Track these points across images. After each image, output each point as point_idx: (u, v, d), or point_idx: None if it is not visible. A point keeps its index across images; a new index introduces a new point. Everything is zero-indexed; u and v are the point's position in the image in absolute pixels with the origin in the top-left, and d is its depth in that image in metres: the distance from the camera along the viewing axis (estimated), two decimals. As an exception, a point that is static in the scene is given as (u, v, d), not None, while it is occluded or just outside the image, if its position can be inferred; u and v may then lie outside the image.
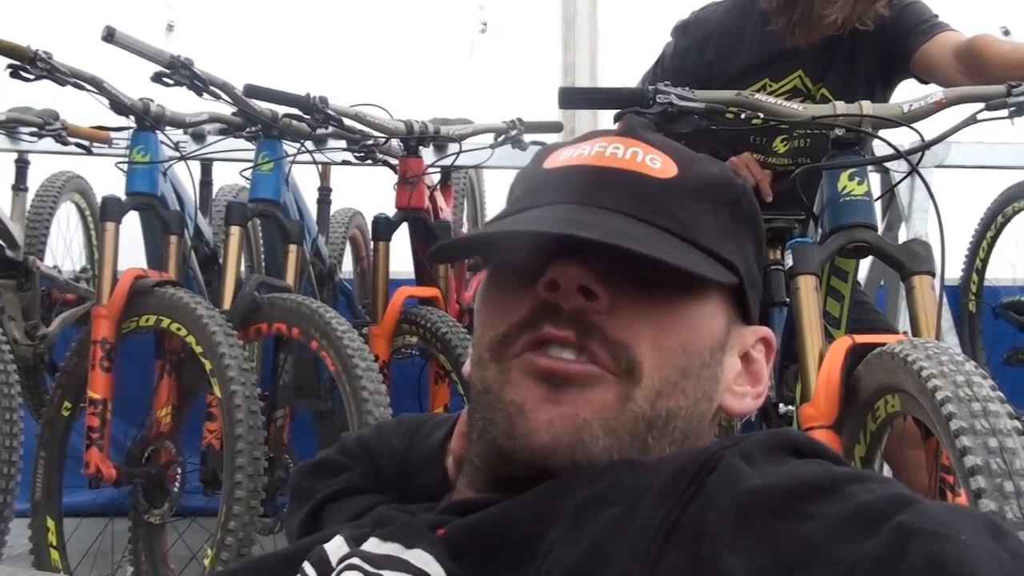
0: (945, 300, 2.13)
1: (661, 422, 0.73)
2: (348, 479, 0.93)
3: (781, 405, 1.89)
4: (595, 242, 0.70)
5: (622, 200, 0.75)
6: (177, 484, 2.56)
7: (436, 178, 3.19)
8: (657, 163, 0.78)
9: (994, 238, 3.29)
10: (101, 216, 2.60)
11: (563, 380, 0.71)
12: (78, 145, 2.94)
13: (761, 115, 1.79)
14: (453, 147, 2.89)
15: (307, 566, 0.73)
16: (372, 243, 2.84)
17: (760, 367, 0.82)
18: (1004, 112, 1.80)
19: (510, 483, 0.72)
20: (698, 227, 0.76)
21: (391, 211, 2.79)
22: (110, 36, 2.23)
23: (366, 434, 0.99)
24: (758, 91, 2.06)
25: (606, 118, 1.97)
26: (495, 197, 4.00)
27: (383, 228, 2.77)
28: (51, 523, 2.59)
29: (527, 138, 2.97)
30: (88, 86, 2.46)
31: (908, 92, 2.15)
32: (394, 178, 2.82)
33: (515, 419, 0.72)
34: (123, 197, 2.61)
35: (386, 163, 2.91)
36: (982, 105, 1.81)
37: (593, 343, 0.71)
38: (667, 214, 0.75)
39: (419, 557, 0.67)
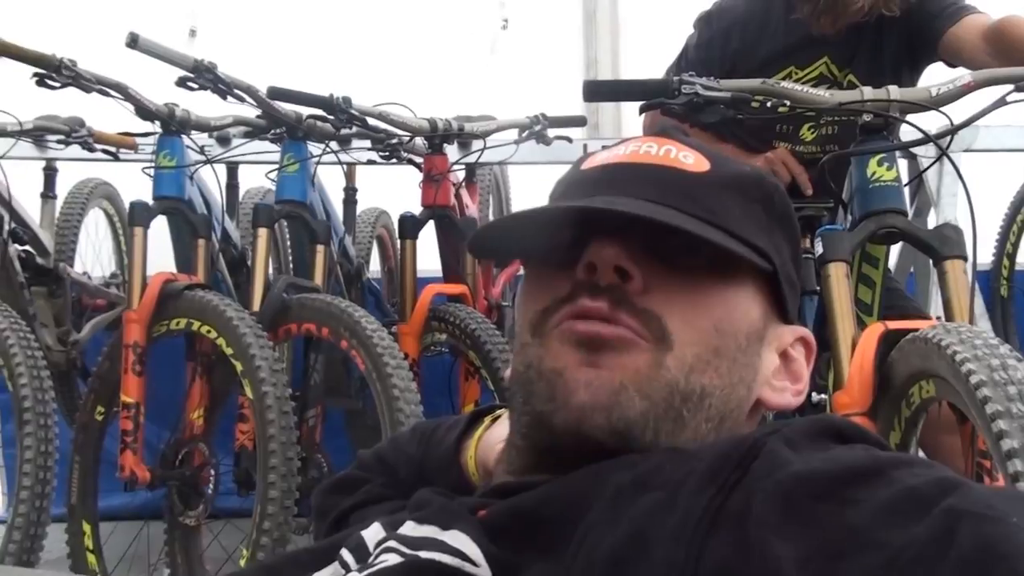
0: (977, 285, 2.11)
1: (696, 396, 0.74)
2: (369, 491, 0.95)
3: (814, 393, 1.87)
4: (631, 216, 0.73)
5: (656, 190, 0.76)
6: (211, 486, 2.57)
7: (461, 175, 3.19)
8: (690, 159, 0.79)
9: (1024, 222, 3.25)
10: (129, 221, 2.62)
11: (599, 343, 0.73)
12: (105, 151, 2.96)
13: (787, 103, 1.78)
14: (477, 144, 2.89)
15: (345, 552, 0.73)
16: (399, 242, 2.84)
17: (800, 366, 0.82)
18: (1033, 94, 1.78)
19: (550, 454, 0.74)
20: (731, 216, 0.77)
21: (417, 209, 2.79)
22: (134, 42, 2.25)
23: (383, 447, 1.01)
24: (784, 79, 2.05)
25: (630, 111, 1.96)
26: (520, 193, 4.00)
27: (409, 226, 2.78)
28: (87, 527, 2.61)
29: (551, 133, 2.96)
30: (113, 92, 2.47)
31: (936, 76, 2.13)
32: (419, 176, 2.82)
33: (555, 383, 0.73)
34: (150, 202, 2.63)
35: (411, 161, 2.92)
36: (1011, 87, 1.78)
37: (624, 312, 0.73)
38: (700, 203, 0.76)
39: (456, 538, 0.67)
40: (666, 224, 0.72)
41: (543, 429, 0.74)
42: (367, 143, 2.88)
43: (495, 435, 0.89)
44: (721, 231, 0.75)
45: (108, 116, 2.75)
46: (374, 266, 3.68)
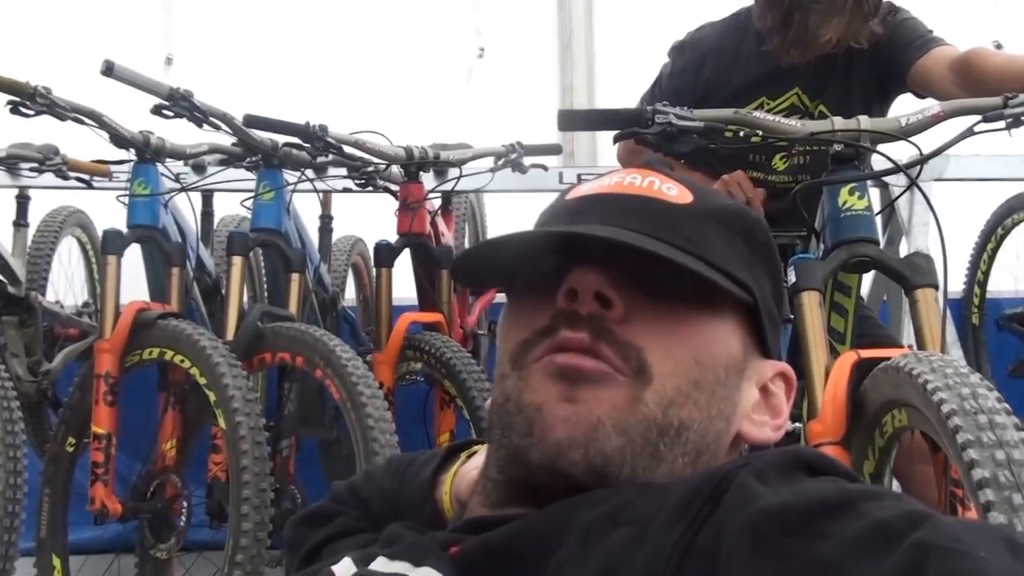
0: (948, 313, 2.13)
1: (673, 431, 0.74)
2: (342, 523, 0.94)
3: (788, 423, 1.88)
4: (611, 241, 0.73)
5: (639, 220, 0.77)
6: (183, 518, 2.55)
7: (437, 203, 3.20)
8: (674, 191, 0.80)
9: (995, 250, 3.28)
10: (102, 250, 2.60)
11: (577, 376, 0.73)
12: (79, 179, 2.95)
13: (760, 133, 1.80)
14: (453, 172, 2.89)
15: None
16: (375, 270, 2.84)
17: (780, 401, 0.82)
18: (1001, 124, 1.80)
19: (525, 489, 0.74)
20: (712, 248, 0.77)
21: (393, 237, 2.79)
22: (109, 70, 2.24)
23: (357, 480, 1.00)
24: (756, 109, 2.07)
25: (606, 140, 1.97)
26: (496, 221, 4.01)
27: (385, 254, 2.77)
28: (57, 561, 2.57)
29: (527, 161, 2.97)
30: (88, 120, 2.46)
31: (905, 107, 2.15)
32: (395, 204, 2.82)
33: (533, 418, 0.73)
34: (124, 230, 2.61)
35: (387, 189, 2.92)
36: (979, 117, 1.81)
37: (604, 344, 0.73)
38: (682, 234, 0.77)
39: (428, 575, 0.67)
40: (647, 251, 0.73)
41: (519, 464, 0.74)
42: (343, 171, 2.88)
43: (471, 473, 0.88)
44: (703, 262, 0.75)
45: (82, 144, 2.74)
46: (349, 294, 3.67)
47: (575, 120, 2.11)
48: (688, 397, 0.74)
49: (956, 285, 3.34)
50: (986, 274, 3.32)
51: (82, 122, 2.46)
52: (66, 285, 3.57)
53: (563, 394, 0.73)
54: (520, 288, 0.81)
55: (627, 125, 1.80)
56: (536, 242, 0.78)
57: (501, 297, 3.50)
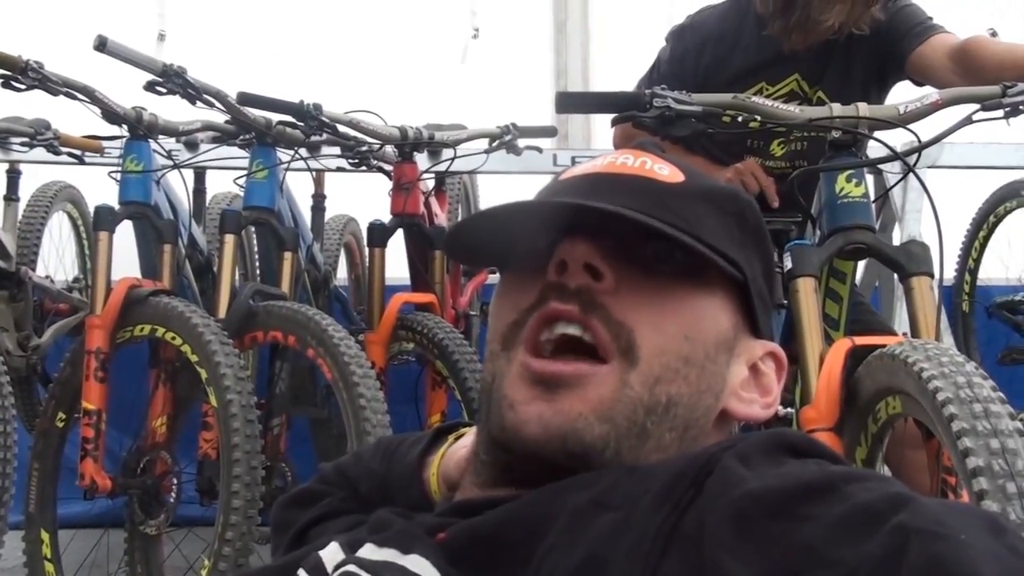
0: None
1: (661, 407, 0.74)
2: (329, 504, 0.94)
3: (781, 407, 1.88)
4: (602, 210, 0.73)
5: (630, 198, 0.76)
6: (173, 494, 2.55)
7: (431, 184, 3.19)
8: (665, 171, 0.80)
9: (986, 238, 3.30)
10: (94, 226, 2.59)
11: (556, 383, 0.73)
12: (70, 155, 2.93)
13: (758, 118, 1.79)
14: (447, 153, 2.88)
15: (302, 573, 0.73)
16: (367, 250, 2.83)
17: (770, 380, 0.82)
18: (999, 113, 1.80)
19: (512, 471, 0.74)
20: (703, 226, 0.77)
21: (386, 217, 2.78)
22: (102, 45, 2.22)
23: (345, 461, 1.00)
24: (755, 94, 2.06)
25: (600, 122, 1.97)
26: (490, 202, 3.99)
27: (378, 234, 2.77)
28: (45, 535, 2.57)
29: (521, 143, 2.96)
30: (80, 96, 2.45)
31: (903, 94, 2.15)
32: (389, 184, 2.81)
33: (505, 412, 0.73)
34: (116, 206, 2.60)
35: (380, 169, 2.91)
36: (977, 106, 1.81)
37: (595, 319, 0.73)
38: (673, 212, 0.77)
39: (415, 563, 0.67)
40: (638, 221, 0.73)
41: (501, 450, 0.75)
42: (337, 150, 2.87)
43: (459, 452, 0.89)
44: (693, 238, 0.75)
45: (75, 119, 2.72)
46: (341, 273, 3.66)
47: (573, 102, 2.10)
48: (677, 373, 0.75)
49: (947, 272, 3.35)
50: (977, 262, 3.33)
51: (74, 97, 2.45)
52: (57, 260, 3.55)
53: (538, 396, 0.73)
54: (512, 264, 0.81)
55: (625, 108, 1.79)
56: (527, 214, 0.78)
57: (494, 278, 3.50)
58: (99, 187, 2.87)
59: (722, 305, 0.78)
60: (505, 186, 3.51)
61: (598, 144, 4.16)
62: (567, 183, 0.82)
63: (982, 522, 0.55)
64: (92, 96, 2.47)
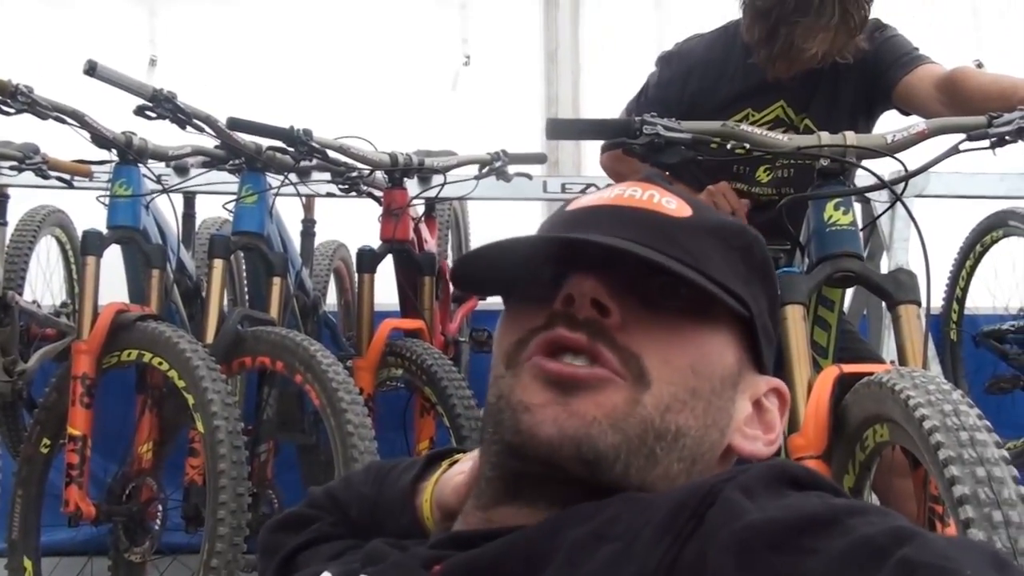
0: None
1: (671, 435, 0.74)
2: (319, 529, 0.93)
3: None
4: (609, 247, 0.73)
5: (637, 232, 0.77)
6: (158, 521, 2.53)
7: (421, 210, 3.19)
8: (673, 204, 0.80)
9: (973, 267, 3.31)
10: (82, 250, 2.58)
11: (572, 385, 0.73)
12: (59, 179, 2.92)
13: (747, 145, 1.80)
14: (437, 179, 2.89)
15: None
16: (357, 275, 2.83)
17: (773, 417, 0.82)
18: (985, 143, 1.81)
19: (521, 481, 0.74)
20: (710, 262, 0.77)
21: (376, 243, 2.78)
22: (92, 70, 2.23)
23: (335, 485, 0.99)
24: (741, 121, 2.07)
25: (590, 149, 1.98)
26: (480, 229, 4.00)
27: (368, 260, 2.76)
28: (28, 563, 2.54)
29: (511, 169, 2.97)
30: (69, 120, 2.45)
31: (890, 124, 2.17)
32: (378, 210, 2.81)
33: (520, 415, 0.73)
34: (104, 231, 2.59)
35: (370, 195, 2.91)
36: (964, 136, 1.82)
37: (603, 346, 0.73)
38: (680, 247, 0.77)
39: None
40: (645, 259, 0.73)
41: (514, 458, 0.74)
42: (327, 175, 2.87)
43: (455, 479, 0.88)
44: (700, 274, 0.76)
45: (64, 143, 2.72)
46: (331, 299, 3.65)
47: (563, 129, 2.11)
48: (685, 404, 0.75)
49: (935, 301, 3.36)
50: (964, 291, 3.35)
51: (63, 121, 2.45)
52: (44, 285, 3.53)
53: (554, 399, 0.73)
54: (518, 294, 0.81)
55: (615, 135, 1.80)
56: (535, 248, 0.78)
57: (483, 305, 3.50)
58: (88, 212, 2.86)
59: (727, 341, 0.78)
60: (495, 212, 3.51)
61: (589, 171, 4.17)
62: (574, 214, 0.82)
63: (986, 557, 0.55)
64: (81, 120, 2.47)
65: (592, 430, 0.72)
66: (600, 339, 0.73)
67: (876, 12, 2.23)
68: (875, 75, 2.27)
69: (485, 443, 0.78)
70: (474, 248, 0.81)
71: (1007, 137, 1.79)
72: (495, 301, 0.88)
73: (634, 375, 0.73)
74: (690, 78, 2.37)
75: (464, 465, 0.87)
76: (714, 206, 2.16)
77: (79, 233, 2.85)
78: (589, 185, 3.33)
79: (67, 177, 2.93)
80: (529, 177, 3.06)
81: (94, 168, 2.88)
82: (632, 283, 0.75)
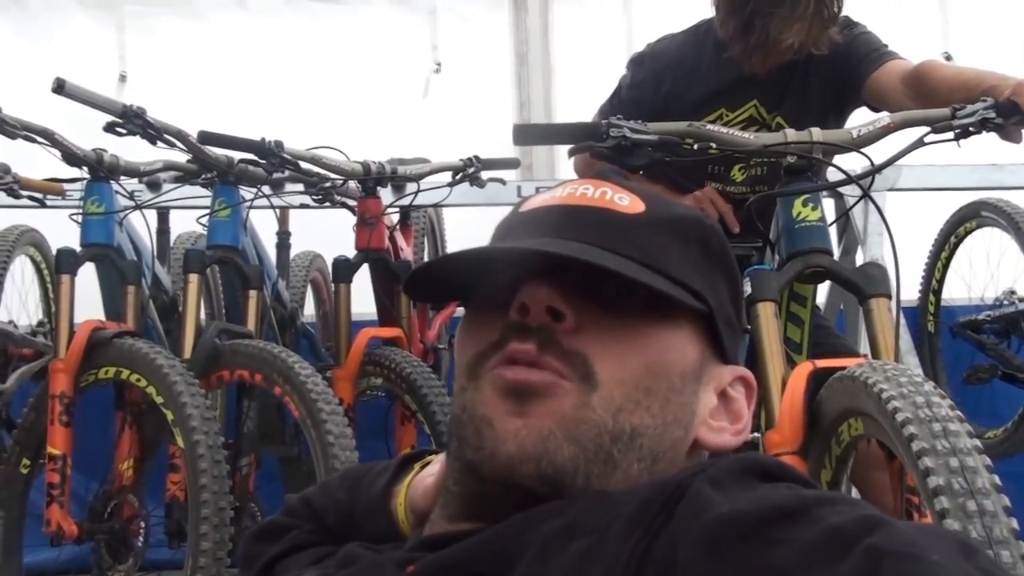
0: (904, 322, 2.15)
1: (626, 436, 0.74)
2: (296, 537, 0.93)
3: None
4: (562, 257, 0.73)
5: (591, 232, 0.77)
6: (141, 538, 2.51)
7: (395, 218, 3.19)
8: (626, 201, 0.80)
9: (948, 259, 3.33)
10: (56, 269, 2.57)
11: (525, 391, 0.73)
12: (31, 198, 2.90)
13: (714, 145, 1.81)
14: (411, 187, 2.89)
15: None
16: (333, 285, 2.82)
17: (740, 406, 0.82)
18: (949, 135, 1.83)
19: (482, 502, 0.74)
20: (666, 258, 0.77)
21: (351, 253, 2.78)
22: (60, 88, 2.22)
23: (311, 492, 0.99)
24: (714, 121, 2.08)
25: (564, 153, 1.98)
26: (455, 235, 4.00)
27: (343, 270, 2.76)
28: (11, 584, 2.53)
29: (485, 175, 2.97)
30: (39, 138, 2.44)
31: (861, 120, 2.18)
32: (353, 220, 2.81)
33: (483, 431, 0.73)
34: (78, 249, 2.58)
35: (344, 205, 2.91)
36: (928, 128, 1.84)
37: (549, 355, 0.73)
38: (635, 245, 0.77)
39: None
40: (597, 265, 0.73)
41: (473, 477, 0.74)
42: (300, 187, 2.87)
43: (426, 481, 0.88)
44: (656, 272, 0.76)
45: (34, 162, 2.70)
46: (308, 310, 3.64)
47: (530, 134, 2.12)
48: (639, 404, 0.75)
49: (911, 294, 3.39)
50: (940, 282, 3.37)
51: (33, 140, 2.43)
52: (19, 305, 3.51)
53: (513, 409, 0.73)
54: (476, 302, 0.81)
55: (582, 139, 1.81)
56: (488, 260, 0.78)
57: (462, 311, 3.50)
58: (62, 230, 2.85)
59: (688, 336, 0.78)
60: (470, 218, 3.51)
61: (562, 175, 4.17)
62: (527, 216, 0.82)
63: (954, 544, 0.56)
64: (52, 139, 2.45)
65: (549, 445, 0.72)
66: (548, 346, 0.74)
67: (846, 9, 2.25)
68: (845, 71, 2.29)
69: (449, 456, 0.79)
70: (424, 263, 0.82)
71: (971, 128, 1.81)
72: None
73: (580, 377, 0.73)
74: (663, 79, 2.38)
75: (434, 467, 0.87)
76: (701, 212, 2.16)
77: (53, 252, 2.84)
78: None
79: (39, 196, 2.91)
80: (503, 182, 3.06)
81: (66, 186, 2.87)
82: (587, 286, 0.75)
